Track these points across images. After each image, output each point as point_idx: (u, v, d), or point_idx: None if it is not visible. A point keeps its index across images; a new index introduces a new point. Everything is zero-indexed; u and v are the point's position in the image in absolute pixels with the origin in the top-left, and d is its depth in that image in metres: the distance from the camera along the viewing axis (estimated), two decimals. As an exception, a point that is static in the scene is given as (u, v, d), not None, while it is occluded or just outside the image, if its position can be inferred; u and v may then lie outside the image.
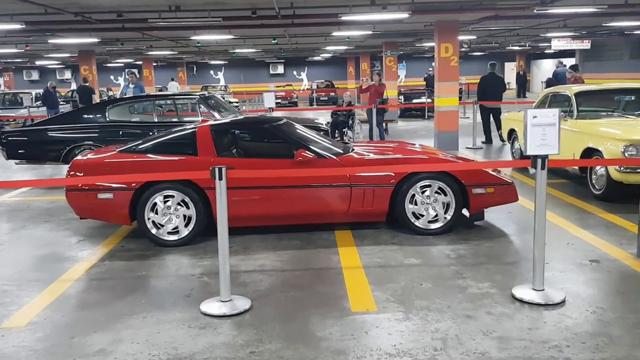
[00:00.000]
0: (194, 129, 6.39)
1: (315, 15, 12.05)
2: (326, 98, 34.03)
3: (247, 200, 6.07)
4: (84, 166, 6.16)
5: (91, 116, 10.00)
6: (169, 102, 10.94)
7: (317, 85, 35.69)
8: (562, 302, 4.37)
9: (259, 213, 6.15)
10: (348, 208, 6.16)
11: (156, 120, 10.02)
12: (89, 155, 6.52)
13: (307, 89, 37.79)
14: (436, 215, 6.23)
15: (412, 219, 6.21)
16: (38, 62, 31.36)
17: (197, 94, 10.59)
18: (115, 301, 4.65)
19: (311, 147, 6.27)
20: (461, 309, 4.29)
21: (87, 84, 17.33)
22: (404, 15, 10.76)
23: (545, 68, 40.08)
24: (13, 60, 27.87)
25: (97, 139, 9.76)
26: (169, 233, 6.06)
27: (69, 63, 31.90)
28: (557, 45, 22.71)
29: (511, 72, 40.80)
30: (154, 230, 6.04)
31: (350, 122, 13.97)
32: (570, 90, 8.98)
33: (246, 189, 6.03)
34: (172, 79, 30.40)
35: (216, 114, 9.93)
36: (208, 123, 6.52)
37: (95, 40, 14.53)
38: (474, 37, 19.86)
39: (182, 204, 6.01)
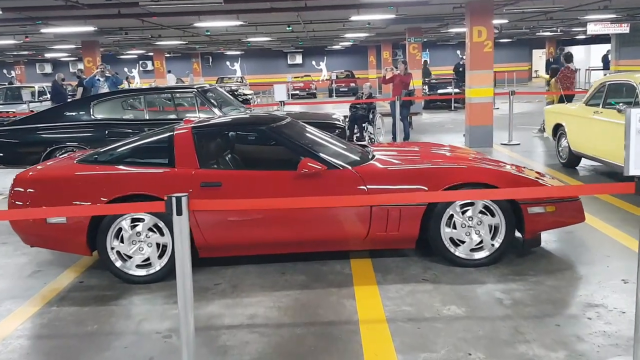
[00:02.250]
0: (170, 133, 5.05)
1: (331, -4, 10.65)
2: (346, 89, 32.52)
3: (238, 223, 4.74)
4: (29, 182, 4.85)
5: (74, 113, 8.75)
6: (161, 96, 9.61)
7: (337, 76, 34.19)
8: (682, 392, 2.97)
9: (253, 240, 4.81)
10: (367, 233, 4.80)
11: (147, 117, 8.72)
12: (39, 167, 5.22)
13: (327, 80, 36.28)
14: (481, 242, 4.83)
15: (450, 247, 4.82)
16: (48, 55, 30.32)
17: (195, 86, 9.26)
18: (43, 379, 3.36)
19: (320, 154, 4.89)
20: (533, 404, 2.92)
21: (84, 77, 16.02)
22: (433, -7, 9.31)
23: (576, 56, 38.08)
24: (19, 53, 26.83)
25: (81, 140, 8.52)
26: (138, 266, 4.75)
27: (81, 55, 30.82)
28: (593, 29, 21.02)
29: (539, 60, 38.90)
30: (118, 263, 4.73)
31: (371, 116, 12.55)
32: (634, 78, 7.47)
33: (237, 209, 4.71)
34: (169, 72, 29.23)
35: (216, 110, 8.62)
36: (189, 125, 5.18)
37: (91, 28, 13.29)
38: (506, 21, 18.23)
39: (154, 229, 4.70)
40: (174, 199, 2.91)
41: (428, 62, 26.74)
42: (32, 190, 4.82)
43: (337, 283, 4.62)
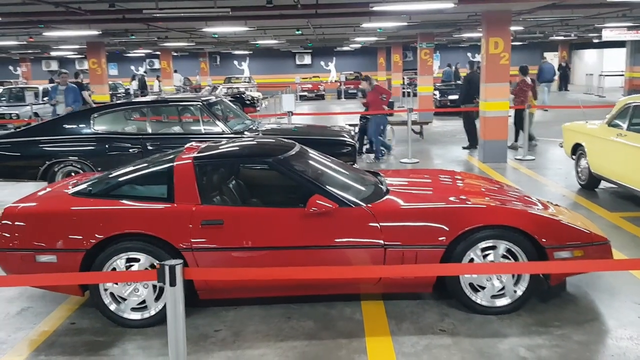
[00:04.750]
0: (170, 164, 4.71)
1: (342, 5, 10.28)
2: (355, 91, 32.08)
3: (241, 264, 4.40)
4: (19, 216, 4.52)
5: (74, 126, 8.42)
6: (164, 108, 9.27)
7: (346, 77, 33.75)
8: None
9: (257, 282, 4.46)
10: (380, 277, 4.45)
11: (150, 131, 8.38)
12: (30, 198, 4.88)
13: (335, 81, 35.87)
14: (503, 288, 4.48)
15: (470, 294, 4.47)
16: (54, 53, 30.04)
17: (202, 98, 8.89)
18: None
19: (330, 190, 4.54)
20: None
21: (78, 80, 15.37)
22: (449, 5, 8.93)
23: (588, 60, 37.58)
24: (25, 51, 26.58)
25: (81, 154, 8.22)
26: (133, 309, 4.42)
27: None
28: (608, 35, 20.74)
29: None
30: (113, 307, 4.40)
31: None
32: (662, 100, 7.09)
33: (240, 250, 4.38)
34: (176, 71, 28.90)
35: (221, 124, 8.27)
36: (191, 154, 4.83)
37: (95, 32, 12.97)
38: (521, 28, 17.81)
39: (150, 269, 4.36)
40: (166, 269, 2.58)
41: (459, 64, 26.30)
42: (21, 223, 4.50)
43: (347, 332, 4.27)
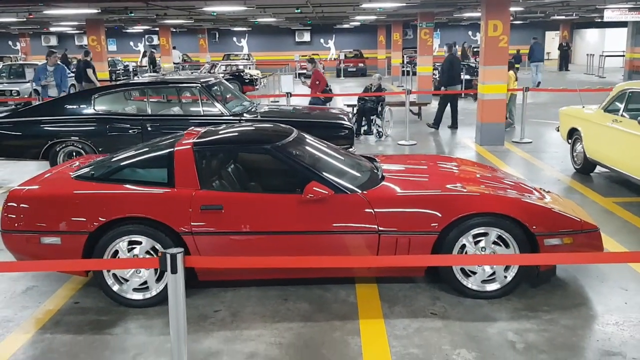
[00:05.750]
0: (170, 149, 4.81)
1: (342, -14, 10.26)
2: (354, 69, 32.04)
3: (239, 248, 4.54)
4: (24, 199, 4.64)
5: (75, 107, 8.50)
6: (164, 90, 9.33)
7: (345, 55, 33.62)
8: None
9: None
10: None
11: (149, 111, 8.45)
12: (33, 182, 4.99)
13: (335, 59, 35.74)
14: (493, 273, 4.62)
15: (462, 278, 4.61)
16: (53, 29, 29.88)
17: (200, 79, 8.95)
18: None
19: (327, 177, 4.65)
20: None
21: (87, 58, 15.43)
22: (448, -12, 8.93)
23: (589, 40, 37.46)
24: (25, 27, 26.45)
25: (82, 134, 8.31)
26: (135, 290, 4.57)
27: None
28: (610, 16, 20.67)
29: (552, 42, 38.40)
30: (115, 287, 4.55)
31: (380, 108, 12.25)
32: (657, 87, 7.17)
33: (238, 234, 4.51)
34: (174, 47, 28.75)
35: (219, 106, 8.34)
36: (190, 140, 4.93)
37: (94, 10, 12.94)
38: (522, 8, 17.75)
39: (152, 252, 4.50)
40: (168, 257, 2.70)
41: (466, 44, 25.78)
42: (26, 206, 4.62)
43: (341, 315, 4.42)
